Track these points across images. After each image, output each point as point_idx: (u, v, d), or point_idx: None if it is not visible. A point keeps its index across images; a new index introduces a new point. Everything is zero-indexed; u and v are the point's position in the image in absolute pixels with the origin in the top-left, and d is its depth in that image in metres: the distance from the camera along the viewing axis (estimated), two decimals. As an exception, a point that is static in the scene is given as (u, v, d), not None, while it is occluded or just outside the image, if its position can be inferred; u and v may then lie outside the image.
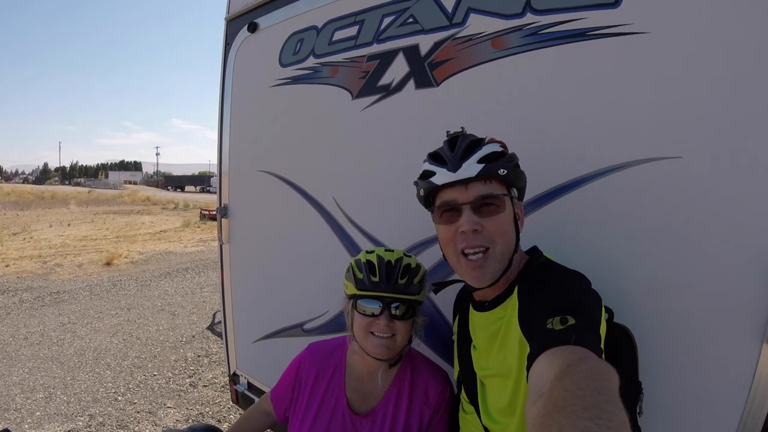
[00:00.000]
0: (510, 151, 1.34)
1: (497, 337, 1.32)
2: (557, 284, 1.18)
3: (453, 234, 1.28)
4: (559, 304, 1.08)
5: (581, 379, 0.79)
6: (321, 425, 1.65)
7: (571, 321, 1.01)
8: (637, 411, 1.32)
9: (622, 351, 1.33)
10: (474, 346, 1.47)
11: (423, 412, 1.65)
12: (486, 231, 1.24)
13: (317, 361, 1.75)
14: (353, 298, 1.59)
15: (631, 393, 1.32)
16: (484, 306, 1.41)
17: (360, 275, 1.57)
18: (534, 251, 1.42)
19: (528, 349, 1.06)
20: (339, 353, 1.75)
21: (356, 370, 1.70)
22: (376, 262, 1.57)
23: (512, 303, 1.27)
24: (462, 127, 1.40)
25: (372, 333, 1.55)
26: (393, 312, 1.53)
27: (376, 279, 1.54)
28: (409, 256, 1.63)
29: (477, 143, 1.30)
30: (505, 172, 1.26)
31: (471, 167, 1.25)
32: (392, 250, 1.63)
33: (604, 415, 0.68)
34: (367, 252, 1.63)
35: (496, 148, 1.30)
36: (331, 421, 1.65)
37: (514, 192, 1.32)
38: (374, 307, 1.54)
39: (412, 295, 1.56)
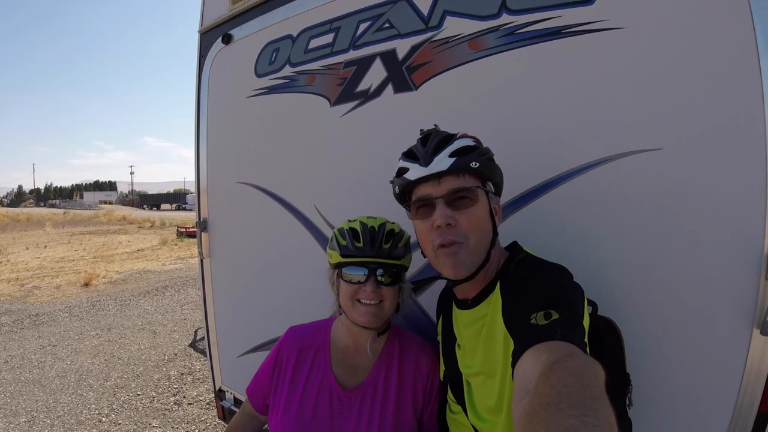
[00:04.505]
0: (484, 146, 1.35)
1: (481, 334, 1.32)
2: (539, 278, 1.18)
3: (429, 229, 1.28)
4: (542, 298, 1.08)
5: (567, 376, 0.78)
6: (308, 404, 1.60)
7: (555, 315, 1.01)
8: (627, 403, 1.32)
9: (608, 343, 1.34)
10: (459, 345, 1.47)
11: (416, 382, 1.63)
12: (460, 225, 1.24)
13: (299, 341, 1.71)
14: (338, 266, 1.58)
15: (620, 385, 1.32)
16: (466, 304, 1.40)
17: (344, 242, 1.55)
18: (514, 246, 1.42)
19: (513, 346, 1.06)
20: (323, 332, 1.73)
21: (342, 344, 1.68)
22: (359, 229, 1.55)
23: (495, 299, 1.27)
24: (435, 125, 1.41)
25: (359, 301, 1.53)
26: (379, 278, 1.52)
27: (360, 244, 1.53)
28: (393, 223, 1.61)
29: (449, 138, 1.31)
30: (478, 165, 1.27)
31: (443, 161, 1.26)
32: (375, 218, 1.61)
33: (590, 412, 0.67)
34: (350, 220, 1.62)
35: (468, 142, 1.31)
36: (318, 399, 1.61)
37: (490, 186, 1.33)
38: (360, 273, 1.52)
39: (396, 260, 1.55)
